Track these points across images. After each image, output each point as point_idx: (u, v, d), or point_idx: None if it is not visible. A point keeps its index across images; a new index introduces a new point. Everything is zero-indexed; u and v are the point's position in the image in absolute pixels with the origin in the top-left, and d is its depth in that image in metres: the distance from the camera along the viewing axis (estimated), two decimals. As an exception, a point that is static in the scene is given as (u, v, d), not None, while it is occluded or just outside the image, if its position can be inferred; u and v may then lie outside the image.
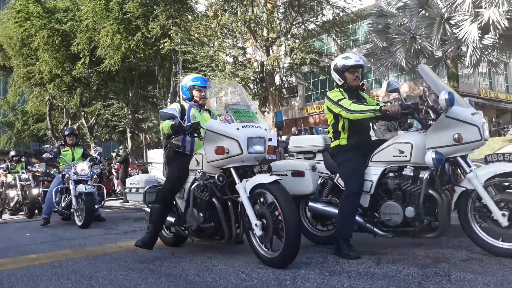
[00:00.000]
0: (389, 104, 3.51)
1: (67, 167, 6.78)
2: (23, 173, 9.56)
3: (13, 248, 4.93)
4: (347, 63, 3.65)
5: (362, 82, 3.77)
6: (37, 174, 10.07)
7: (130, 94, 26.47)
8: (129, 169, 12.99)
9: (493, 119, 27.02)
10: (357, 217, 3.55)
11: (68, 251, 4.54)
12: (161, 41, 18.31)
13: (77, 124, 34.14)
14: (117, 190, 13.57)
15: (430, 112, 3.35)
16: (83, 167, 6.77)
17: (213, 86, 18.46)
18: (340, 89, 3.70)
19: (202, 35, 18.54)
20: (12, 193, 9.57)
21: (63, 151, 7.13)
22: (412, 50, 16.75)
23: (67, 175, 6.72)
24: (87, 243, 4.97)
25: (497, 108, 28.25)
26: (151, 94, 25.65)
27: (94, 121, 32.69)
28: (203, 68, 18.55)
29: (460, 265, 2.98)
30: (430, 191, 3.27)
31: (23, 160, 10.49)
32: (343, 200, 3.49)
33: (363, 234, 3.77)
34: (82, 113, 31.63)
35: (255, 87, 18.54)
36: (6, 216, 9.89)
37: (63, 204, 6.86)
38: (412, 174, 3.33)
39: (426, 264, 3.10)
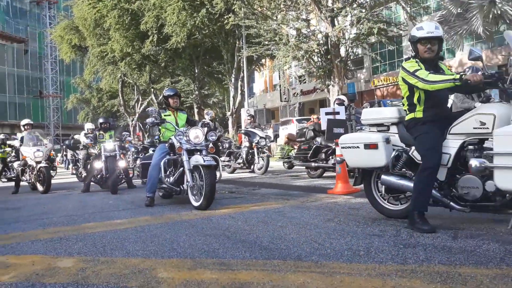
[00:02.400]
0: (469, 73, 3.33)
1: (179, 133, 5.41)
2: (108, 142, 8.63)
3: (99, 214, 5.39)
4: (418, 34, 3.49)
5: (439, 55, 3.59)
6: (125, 144, 9.98)
7: (196, 71, 27.10)
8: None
9: None
10: (432, 191, 3.46)
11: (148, 217, 4.88)
12: (225, 17, 18.44)
13: (147, 100, 35.76)
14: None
15: (517, 81, 3.14)
16: (197, 133, 5.40)
17: (278, 59, 18.41)
18: (417, 59, 3.56)
19: (265, 9, 18.39)
20: (97, 164, 8.67)
21: (165, 115, 5.94)
22: (490, 16, 15.54)
23: (178, 144, 5.35)
24: (165, 211, 5.30)
25: None
26: (216, 70, 26.01)
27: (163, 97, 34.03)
28: (266, 42, 18.52)
29: (547, 243, 2.83)
30: (514, 164, 3.10)
31: (111, 129, 9.55)
32: (420, 173, 3.41)
33: (438, 209, 3.69)
34: (152, 89, 33.03)
35: (319, 59, 18.19)
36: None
37: (171, 179, 5.61)
38: (494, 146, 3.17)
39: (508, 240, 2.97)
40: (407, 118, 3.67)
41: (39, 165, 9.02)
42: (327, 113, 6.33)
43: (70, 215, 5.39)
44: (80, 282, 2.48)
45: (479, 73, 3.28)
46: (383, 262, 2.59)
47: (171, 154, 5.69)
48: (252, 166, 11.44)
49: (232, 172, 12.36)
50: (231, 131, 25.79)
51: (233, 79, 25.14)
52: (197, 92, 28.51)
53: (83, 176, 10.68)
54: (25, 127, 10.07)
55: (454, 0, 16.42)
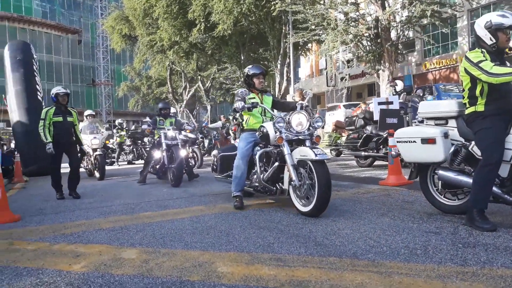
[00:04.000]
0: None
1: (279, 120, 4.40)
2: (168, 130, 7.83)
3: (155, 203, 5.62)
4: (506, 22, 3.29)
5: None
6: (188, 134, 9.21)
7: (242, 57, 27.20)
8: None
9: None
10: (493, 188, 3.34)
11: (203, 207, 5.03)
12: (272, 3, 18.30)
13: (195, 87, 36.46)
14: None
15: None
16: (300, 119, 4.43)
17: (326, 44, 18.11)
18: (482, 49, 3.39)
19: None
20: (157, 154, 7.92)
21: (249, 98, 4.85)
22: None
23: (276, 134, 4.41)
24: (218, 200, 5.44)
25: None
26: (262, 57, 25.97)
27: (209, 84, 34.55)
28: (313, 27, 18.23)
29: None
30: None
31: (172, 115, 8.93)
32: (480, 169, 3.29)
33: (498, 205, 3.55)
34: (199, 77, 33.58)
35: (369, 44, 17.71)
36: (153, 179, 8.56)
37: (263, 176, 4.64)
38: None
39: None
40: (467, 111, 3.52)
41: (95, 153, 9.48)
42: (380, 103, 6.20)
43: (128, 203, 5.66)
44: (145, 274, 2.62)
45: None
46: (442, 263, 2.55)
47: (261, 146, 4.76)
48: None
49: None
50: (276, 117, 25.77)
51: (279, 65, 25.03)
52: (242, 79, 28.68)
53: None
54: (88, 117, 10.84)
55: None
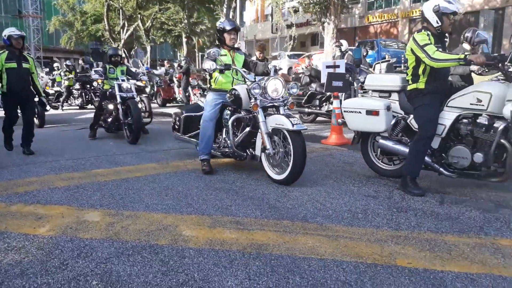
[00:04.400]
0: (474, 54, 3.52)
1: (254, 86, 4.26)
2: (123, 80, 7.17)
3: (106, 158, 5.62)
4: (451, 7, 3.60)
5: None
6: (141, 84, 8.32)
7: (186, -2, 26.19)
8: (190, 78, 13.49)
9: None
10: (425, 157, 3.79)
11: (155, 165, 5.15)
12: None
13: (134, 26, 34.63)
14: (178, 98, 14.32)
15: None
16: (276, 86, 4.32)
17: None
18: (428, 32, 3.70)
19: None
20: (110, 106, 7.30)
21: (220, 55, 4.66)
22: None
23: (252, 101, 4.29)
24: (169, 158, 5.56)
25: None
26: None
27: (150, 24, 32.99)
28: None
29: (522, 212, 3.23)
30: (502, 141, 3.41)
31: (123, 63, 8.05)
32: (416, 142, 3.71)
33: (426, 172, 4.04)
34: (139, 15, 31.88)
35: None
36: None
37: (230, 141, 4.57)
38: (486, 122, 3.45)
39: (487, 208, 3.37)
40: (409, 87, 3.88)
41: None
42: (327, 67, 6.46)
43: (77, 158, 5.63)
44: (114, 238, 2.79)
45: (482, 53, 3.47)
46: (380, 227, 2.96)
47: (230, 109, 4.67)
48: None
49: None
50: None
51: (224, 9, 24.45)
52: (186, 21, 27.76)
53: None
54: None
55: None
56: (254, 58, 6.96)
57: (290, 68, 24.36)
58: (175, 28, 28.93)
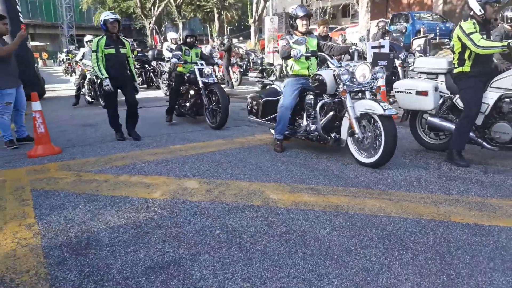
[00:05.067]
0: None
1: (343, 72, 4.39)
2: (202, 65, 6.95)
3: (175, 135, 6.36)
4: None
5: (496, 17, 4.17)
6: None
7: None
8: (230, 57, 14.01)
9: None
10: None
11: (221, 141, 5.85)
12: None
13: (165, 2, 35.12)
14: (218, 76, 14.90)
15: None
16: (364, 71, 4.42)
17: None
18: (474, 21, 4.14)
19: None
20: (192, 92, 7.13)
21: (293, 42, 4.81)
22: None
23: (340, 87, 4.43)
24: (230, 135, 6.24)
25: None
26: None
27: (181, 0, 33.38)
28: None
29: (557, 180, 3.74)
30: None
31: (197, 45, 7.54)
32: (462, 119, 4.22)
33: (471, 146, 4.56)
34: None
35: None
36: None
37: (314, 125, 4.83)
38: (526, 102, 3.93)
39: (527, 176, 3.89)
40: (456, 70, 4.36)
41: (99, 80, 8.70)
42: (373, 47, 6.92)
43: (151, 136, 6.37)
44: (217, 200, 3.49)
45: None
46: (433, 192, 3.55)
47: (311, 93, 4.85)
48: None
49: (264, 87, 13.12)
50: (253, 40, 25.88)
51: (256, -16, 24.54)
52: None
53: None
54: (88, 43, 10.92)
55: None
56: (316, 33, 6.81)
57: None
58: (207, 3, 29.21)
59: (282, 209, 3.27)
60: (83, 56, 10.80)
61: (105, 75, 5.69)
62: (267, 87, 6.11)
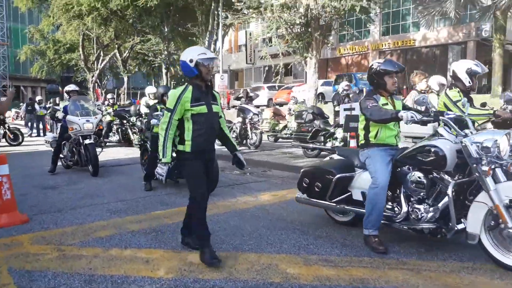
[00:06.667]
0: (501, 110, 4.28)
1: (487, 146, 3.32)
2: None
3: (152, 199, 6.00)
4: (480, 70, 4.36)
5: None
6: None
7: (166, 30, 26.82)
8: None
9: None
10: None
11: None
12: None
13: (109, 56, 34.81)
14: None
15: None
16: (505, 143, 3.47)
17: (261, 29, 18.73)
18: (458, 89, 4.43)
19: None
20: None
21: (382, 104, 4.00)
22: (461, 0, 16.79)
23: (486, 166, 3.30)
24: (212, 198, 5.95)
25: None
26: (189, 32, 25.71)
27: (127, 55, 33.30)
28: (247, 11, 18.78)
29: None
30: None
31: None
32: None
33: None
34: (116, 45, 32.18)
35: (299, 30, 18.74)
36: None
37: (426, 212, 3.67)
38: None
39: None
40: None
41: (85, 141, 7.74)
42: (345, 109, 7.17)
43: (125, 200, 5.96)
44: (232, 278, 3.24)
45: (508, 110, 4.23)
46: (446, 260, 3.56)
47: (414, 168, 3.77)
48: (244, 141, 12.20)
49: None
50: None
51: (206, 42, 25.17)
52: (166, 52, 28.29)
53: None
54: (70, 94, 8.66)
55: (430, -18, 17.35)
56: (415, 93, 6.11)
57: (270, 99, 25.33)
58: (155, 59, 29.31)
59: (308, 286, 3.09)
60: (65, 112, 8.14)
61: (169, 159, 3.62)
62: (330, 157, 4.96)
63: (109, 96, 15.19)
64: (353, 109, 7.23)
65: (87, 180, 7.47)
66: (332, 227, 4.50)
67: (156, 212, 5.28)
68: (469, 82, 4.43)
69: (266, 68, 34.33)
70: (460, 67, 4.50)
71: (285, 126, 13.70)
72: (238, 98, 15.39)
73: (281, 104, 22.15)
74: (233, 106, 16.39)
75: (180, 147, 3.66)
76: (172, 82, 40.05)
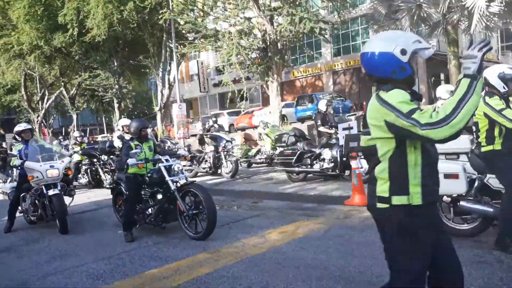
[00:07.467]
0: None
1: None
2: (167, 160, 5.72)
3: (139, 253, 4.99)
4: None
5: None
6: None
7: (116, 64, 25.75)
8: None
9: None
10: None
11: (207, 254, 4.64)
12: (160, 12, 17.69)
13: (55, 94, 32.95)
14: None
15: None
16: None
17: (219, 56, 18.19)
18: (498, 96, 3.91)
19: (204, 5, 18.01)
20: (159, 196, 5.78)
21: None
22: (415, 18, 17.14)
23: None
24: (214, 244, 5.05)
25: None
26: (141, 64, 24.69)
27: (75, 92, 31.67)
28: (203, 39, 18.24)
29: None
30: None
31: (150, 138, 6.62)
32: (509, 201, 3.80)
33: None
34: (62, 83, 30.54)
35: (258, 55, 18.40)
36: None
37: None
38: None
39: None
40: (484, 149, 4.01)
41: (49, 191, 6.29)
42: (344, 129, 6.58)
43: (104, 258, 4.91)
44: None
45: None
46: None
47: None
48: (219, 171, 11.36)
49: (194, 176, 11.95)
50: (160, 127, 25.04)
51: (160, 73, 24.35)
52: (117, 86, 27.08)
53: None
54: (22, 134, 6.86)
55: (384, 1, 17.71)
56: None
57: (231, 125, 24.66)
58: (106, 94, 27.87)
59: None
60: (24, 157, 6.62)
61: None
62: None
63: (76, 134, 13.35)
64: (351, 128, 6.68)
65: (50, 236, 6.26)
66: (324, 256, 3.75)
67: (150, 271, 4.28)
68: (504, 88, 3.94)
69: (218, 95, 33.80)
70: (491, 72, 4.01)
71: (259, 151, 13.03)
72: (208, 130, 14.58)
73: (243, 129, 21.63)
74: (205, 135, 15.13)
75: (397, 199, 2.10)
76: (122, 116, 38.57)
